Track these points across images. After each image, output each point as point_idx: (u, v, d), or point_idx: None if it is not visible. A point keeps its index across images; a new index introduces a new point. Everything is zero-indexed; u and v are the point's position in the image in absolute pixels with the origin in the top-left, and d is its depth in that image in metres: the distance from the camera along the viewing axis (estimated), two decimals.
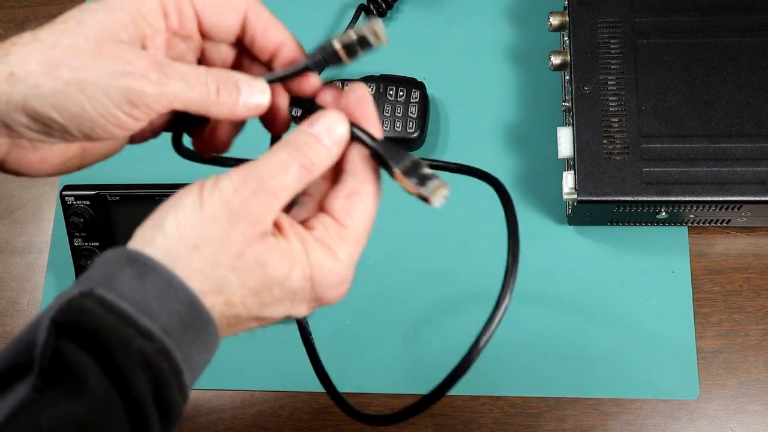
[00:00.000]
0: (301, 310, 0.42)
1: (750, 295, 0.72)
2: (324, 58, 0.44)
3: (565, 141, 0.69)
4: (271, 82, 0.44)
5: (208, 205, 0.39)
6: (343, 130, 0.42)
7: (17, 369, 0.37)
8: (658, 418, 0.69)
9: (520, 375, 0.71)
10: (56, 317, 0.36)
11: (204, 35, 0.45)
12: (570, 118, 0.70)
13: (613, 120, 0.68)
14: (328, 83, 0.76)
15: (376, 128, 0.43)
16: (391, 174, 0.42)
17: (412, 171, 0.41)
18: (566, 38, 0.73)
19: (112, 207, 0.71)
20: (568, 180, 0.68)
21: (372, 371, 0.72)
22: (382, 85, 0.76)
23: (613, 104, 0.69)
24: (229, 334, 0.41)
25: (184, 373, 0.38)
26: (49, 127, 0.41)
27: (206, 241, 0.38)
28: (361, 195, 0.42)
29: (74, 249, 0.72)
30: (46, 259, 0.77)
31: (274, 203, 0.40)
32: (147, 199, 0.71)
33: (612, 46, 0.70)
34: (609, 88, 0.69)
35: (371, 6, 0.81)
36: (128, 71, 0.40)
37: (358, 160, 0.42)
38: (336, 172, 0.44)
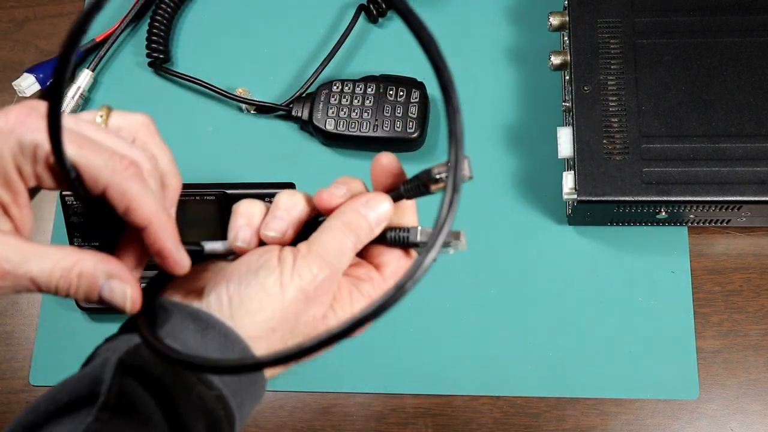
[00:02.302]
0: None
1: (750, 295, 0.72)
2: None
3: (565, 141, 0.69)
4: None
5: (287, 289, 0.42)
6: (386, 208, 0.45)
7: (81, 400, 0.39)
8: (658, 418, 0.69)
9: (520, 375, 0.71)
10: (124, 358, 0.40)
11: None
12: (570, 118, 0.70)
13: (613, 120, 0.68)
14: (327, 84, 0.77)
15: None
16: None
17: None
18: (566, 38, 0.73)
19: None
20: (568, 180, 0.68)
21: (372, 371, 0.72)
22: (382, 85, 0.76)
23: (613, 104, 0.69)
24: None
25: (236, 419, 0.42)
26: None
27: (282, 324, 0.43)
28: (407, 267, 0.47)
29: None
30: None
31: (336, 284, 0.44)
32: None
33: (612, 46, 0.70)
34: (609, 88, 0.69)
35: (371, 6, 0.81)
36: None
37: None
38: None
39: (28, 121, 0.39)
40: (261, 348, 0.42)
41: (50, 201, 0.79)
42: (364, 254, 0.47)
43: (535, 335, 0.72)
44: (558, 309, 0.72)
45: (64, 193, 0.71)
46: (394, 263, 0.47)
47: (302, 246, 0.44)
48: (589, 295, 0.73)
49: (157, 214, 0.41)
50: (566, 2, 0.72)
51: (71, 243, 0.72)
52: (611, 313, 0.72)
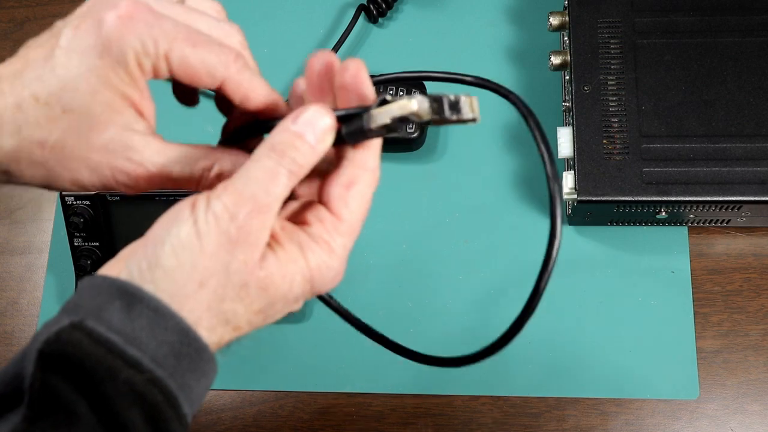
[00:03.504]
0: (297, 307, 0.42)
1: (750, 295, 0.72)
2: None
3: (565, 141, 0.69)
4: None
5: (205, 236, 0.38)
6: (327, 123, 0.40)
7: (7, 399, 0.36)
8: (658, 418, 0.69)
9: (520, 375, 0.71)
10: (43, 348, 0.36)
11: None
12: (570, 118, 0.70)
13: (613, 120, 0.68)
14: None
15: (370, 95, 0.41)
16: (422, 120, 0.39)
17: (438, 104, 0.39)
18: (566, 38, 0.73)
19: (112, 207, 0.71)
20: (568, 180, 0.68)
21: (372, 371, 0.72)
22: (382, 85, 0.76)
23: (613, 104, 0.69)
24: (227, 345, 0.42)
25: (181, 402, 0.37)
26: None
27: (209, 276, 0.38)
28: (359, 183, 0.41)
29: (74, 249, 0.72)
30: (46, 259, 0.77)
31: (268, 220, 0.39)
32: (147, 199, 0.71)
33: (612, 46, 0.70)
34: (609, 88, 0.69)
35: (371, 6, 0.81)
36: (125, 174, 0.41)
37: (361, 148, 0.41)
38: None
39: (140, 16, 0.39)
40: (194, 310, 0.38)
41: (50, 201, 0.79)
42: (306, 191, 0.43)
43: (535, 335, 0.72)
44: (558, 309, 0.72)
45: (64, 192, 0.71)
46: (337, 190, 0.40)
47: (219, 185, 0.39)
48: (589, 295, 0.73)
49: (270, 93, 0.43)
50: (566, 2, 0.72)
51: (71, 243, 0.72)
52: (611, 313, 0.72)
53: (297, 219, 0.41)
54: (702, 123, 0.68)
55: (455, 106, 0.39)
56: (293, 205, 0.43)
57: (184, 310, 0.38)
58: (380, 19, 0.82)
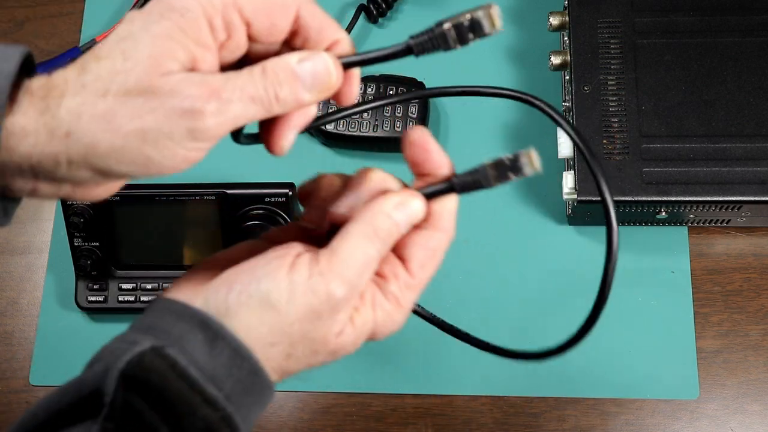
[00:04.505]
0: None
1: (750, 295, 0.72)
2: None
3: (565, 141, 0.69)
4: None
5: (294, 310, 0.39)
6: (420, 214, 0.42)
7: (83, 408, 0.38)
8: (658, 418, 0.69)
9: (520, 375, 0.71)
10: (126, 370, 0.37)
11: (252, 39, 0.41)
12: (570, 118, 0.70)
13: (613, 120, 0.68)
14: None
15: (446, 164, 0.43)
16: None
17: (500, 169, 0.41)
18: (566, 38, 0.73)
19: (112, 207, 0.71)
20: (568, 180, 0.68)
21: (372, 371, 0.72)
22: (382, 85, 0.76)
23: (613, 104, 0.69)
24: None
25: None
26: (114, 176, 0.39)
27: (283, 339, 0.40)
28: (440, 251, 0.42)
29: (74, 249, 0.72)
30: (46, 259, 0.77)
31: (355, 299, 0.41)
32: (147, 199, 0.71)
33: (612, 46, 0.70)
34: (609, 88, 0.69)
35: (371, 6, 0.81)
36: (186, 109, 0.37)
37: (446, 213, 0.42)
38: None
39: None
40: (258, 361, 0.40)
41: (50, 201, 0.79)
42: None
43: (535, 335, 0.72)
44: (558, 309, 0.72)
45: None
46: (420, 253, 0.42)
47: (322, 257, 0.40)
48: (589, 295, 0.73)
49: (341, 29, 0.42)
50: (566, 2, 0.72)
51: (71, 243, 0.72)
52: (611, 313, 0.72)
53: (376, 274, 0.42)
54: (702, 123, 0.68)
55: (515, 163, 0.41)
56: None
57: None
58: (380, 19, 0.82)
